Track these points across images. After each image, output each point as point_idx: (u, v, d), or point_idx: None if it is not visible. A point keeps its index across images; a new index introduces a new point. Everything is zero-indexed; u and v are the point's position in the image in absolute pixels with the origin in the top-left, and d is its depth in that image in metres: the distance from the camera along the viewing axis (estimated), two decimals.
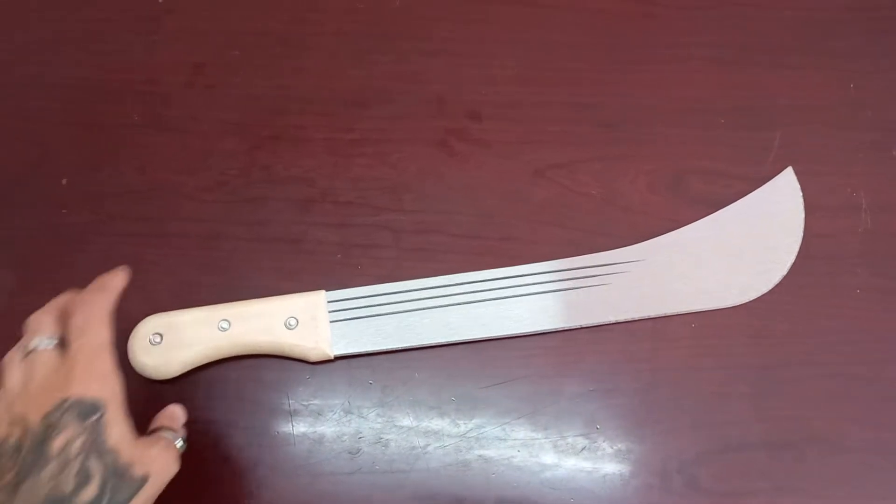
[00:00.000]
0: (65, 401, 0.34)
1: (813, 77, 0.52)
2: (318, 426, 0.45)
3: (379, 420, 0.45)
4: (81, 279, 0.48)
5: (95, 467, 0.33)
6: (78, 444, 0.33)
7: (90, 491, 0.33)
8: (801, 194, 0.49)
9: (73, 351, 0.35)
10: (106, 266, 0.48)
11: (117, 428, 0.34)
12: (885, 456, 0.44)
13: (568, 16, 0.53)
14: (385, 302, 0.46)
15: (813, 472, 0.44)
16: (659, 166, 0.50)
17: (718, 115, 0.51)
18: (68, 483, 0.33)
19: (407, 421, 0.45)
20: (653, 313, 0.46)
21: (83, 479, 0.33)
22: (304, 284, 0.46)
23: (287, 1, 0.53)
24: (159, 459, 0.36)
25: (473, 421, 0.45)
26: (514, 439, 0.44)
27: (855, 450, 0.45)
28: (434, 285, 0.46)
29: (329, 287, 0.46)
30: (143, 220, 0.49)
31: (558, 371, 0.46)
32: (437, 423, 0.45)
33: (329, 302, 0.45)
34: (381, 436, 0.44)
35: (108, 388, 0.35)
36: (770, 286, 0.47)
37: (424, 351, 0.46)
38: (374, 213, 0.49)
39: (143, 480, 0.34)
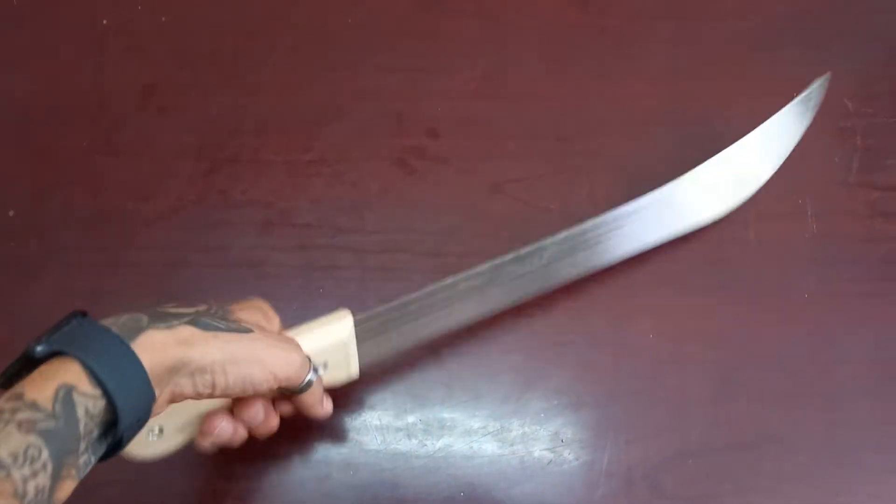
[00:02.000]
0: None
1: (760, 86, 0.54)
2: (289, 454, 0.45)
3: (346, 445, 0.45)
4: (36, 312, 0.47)
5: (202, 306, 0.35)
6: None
7: (182, 308, 0.34)
8: None
9: None
10: (61, 298, 0.47)
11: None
12: (838, 452, 0.46)
13: (523, 31, 0.54)
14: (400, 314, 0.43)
15: (772, 471, 0.46)
16: (616, 178, 0.51)
17: (672, 126, 0.52)
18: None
19: (374, 444, 0.45)
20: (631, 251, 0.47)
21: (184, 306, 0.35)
22: None
23: (240, 18, 0.53)
24: (281, 341, 0.37)
25: (441, 441, 0.45)
26: (482, 457, 0.45)
27: (809, 448, 0.46)
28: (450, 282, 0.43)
29: (291, 311, 0.45)
30: (97, 249, 0.48)
31: (523, 387, 0.47)
32: (405, 445, 0.45)
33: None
34: (350, 461, 0.44)
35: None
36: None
37: (389, 374, 0.46)
38: (335, 234, 0.49)
39: (245, 328, 0.35)
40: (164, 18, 0.52)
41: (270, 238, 0.49)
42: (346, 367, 0.41)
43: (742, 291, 0.49)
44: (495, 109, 0.52)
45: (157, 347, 0.31)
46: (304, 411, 0.39)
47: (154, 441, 0.38)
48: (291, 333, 0.39)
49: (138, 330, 0.31)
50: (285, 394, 0.38)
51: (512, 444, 0.45)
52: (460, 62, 0.53)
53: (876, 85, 0.54)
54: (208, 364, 0.33)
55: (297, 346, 0.37)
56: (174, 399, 0.33)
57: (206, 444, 0.37)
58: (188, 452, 0.38)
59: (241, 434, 0.38)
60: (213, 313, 0.35)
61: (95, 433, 0.30)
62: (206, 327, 0.33)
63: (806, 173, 0.52)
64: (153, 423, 0.38)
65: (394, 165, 0.51)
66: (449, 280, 0.43)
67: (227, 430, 0.37)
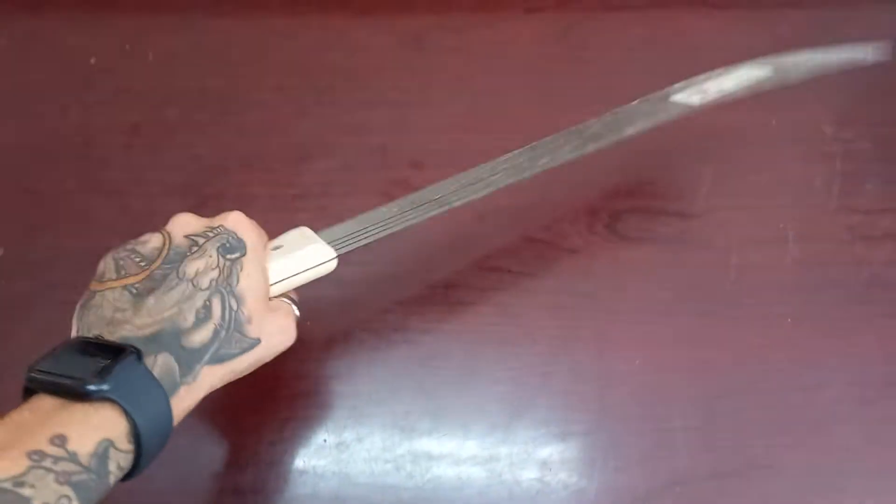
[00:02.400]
0: (212, 228, 0.35)
1: (738, 115, 0.54)
2: (277, 488, 0.45)
3: (335, 478, 0.45)
4: (25, 351, 0.47)
5: (217, 309, 0.33)
6: (211, 275, 0.33)
7: (204, 333, 0.33)
8: None
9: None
10: (52, 337, 0.47)
11: (252, 277, 0.35)
12: (823, 478, 0.47)
13: (504, 64, 0.55)
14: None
15: (759, 499, 0.46)
16: (599, 207, 0.52)
17: (651, 155, 0.53)
18: (189, 316, 0.33)
19: (363, 478, 0.45)
20: None
21: (203, 316, 0.33)
22: None
23: (225, 58, 0.54)
24: (278, 324, 0.36)
25: (430, 472, 0.45)
26: (471, 487, 0.45)
27: (795, 474, 0.47)
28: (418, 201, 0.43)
29: None
30: (85, 287, 0.48)
31: (510, 417, 0.47)
32: (393, 478, 0.45)
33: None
34: (339, 495, 0.44)
35: (253, 236, 0.36)
36: None
37: (376, 405, 0.46)
38: None
39: (255, 342, 0.34)
40: (151, 57, 0.53)
41: None
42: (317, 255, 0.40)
43: (726, 318, 0.50)
44: (479, 141, 0.53)
45: (183, 403, 0.33)
46: None
47: None
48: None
49: (174, 386, 0.32)
50: None
51: (500, 474, 0.46)
52: (443, 96, 0.54)
53: (853, 111, 0.54)
54: (215, 384, 0.34)
55: (290, 313, 0.38)
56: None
57: None
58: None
59: None
60: (228, 331, 0.34)
61: (118, 476, 0.30)
62: (222, 359, 0.34)
63: (786, 199, 0.53)
64: None
65: (379, 198, 0.51)
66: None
67: None
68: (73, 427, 0.29)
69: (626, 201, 0.52)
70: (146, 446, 0.30)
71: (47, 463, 0.27)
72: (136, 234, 0.50)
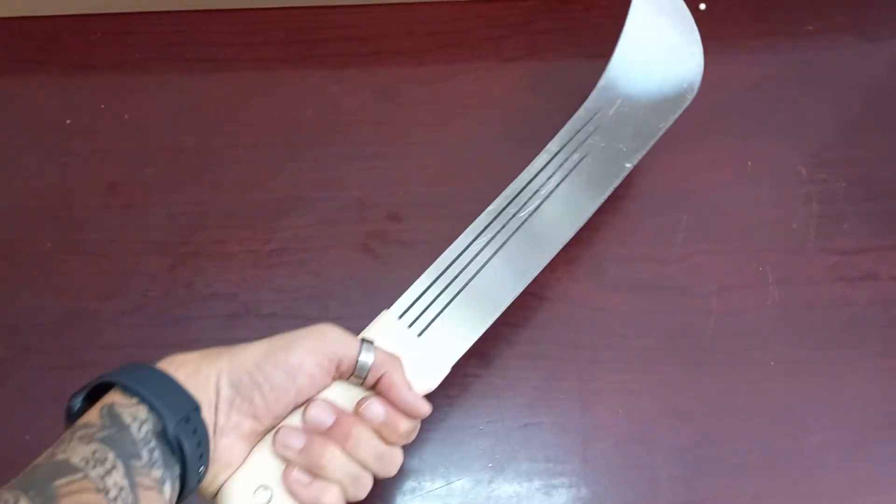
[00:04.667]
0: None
1: (714, 158, 0.55)
2: None
3: None
4: (2, 418, 0.47)
5: None
6: None
7: None
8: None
9: None
10: (28, 402, 0.47)
11: None
12: None
13: (478, 115, 0.55)
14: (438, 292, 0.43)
15: None
16: (578, 255, 0.52)
17: (629, 200, 0.53)
18: None
19: None
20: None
21: None
22: None
23: (201, 116, 0.54)
24: None
25: None
26: None
27: None
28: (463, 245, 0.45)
29: None
30: (62, 350, 0.48)
31: (493, 472, 0.46)
32: None
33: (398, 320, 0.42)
34: None
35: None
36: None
37: None
38: (300, 323, 0.48)
39: None
40: (126, 116, 0.53)
41: (236, 330, 0.49)
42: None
43: (708, 364, 0.49)
44: (455, 191, 0.53)
45: (185, 364, 0.35)
46: (396, 403, 0.38)
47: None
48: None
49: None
50: (358, 384, 0.39)
51: None
52: (419, 147, 0.54)
53: (827, 151, 0.55)
54: (242, 369, 0.35)
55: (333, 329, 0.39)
56: (241, 423, 0.35)
57: (290, 478, 0.36)
58: None
59: (327, 459, 0.36)
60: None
61: (153, 442, 0.32)
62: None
63: (764, 241, 0.53)
64: (255, 479, 0.36)
65: (357, 251, 0.51)
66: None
67: (292, 442, 0.36)
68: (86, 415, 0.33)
69: (605, 249, 0.52)
70: (153, 396, 0.32)
71: (67, 437, 0.31)
72: (113, 294, 0.50)
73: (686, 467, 0.47)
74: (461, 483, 0.46)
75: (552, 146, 0.48)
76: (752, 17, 0.59)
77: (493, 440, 0.47)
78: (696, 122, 0.56)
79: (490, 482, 0.46)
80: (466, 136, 0.54)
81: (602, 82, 0.50)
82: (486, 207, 0.47)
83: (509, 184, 0.48)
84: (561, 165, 0.47)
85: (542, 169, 0.47)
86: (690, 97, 0.50)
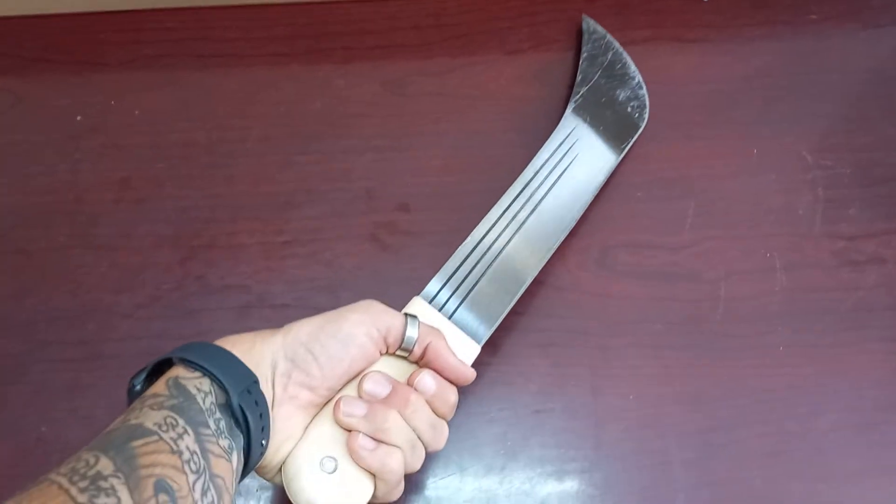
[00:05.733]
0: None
1: (719, 146, 0.55)
2: None
3: None
4: (20, 411, 0.48)
5: None
6: None
7: None
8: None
9: None
10: (44, 394, 0.47)
11: None
12: None
13: (487, 104, 0.55)
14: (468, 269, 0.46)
15: None
16: (586, 244, 0.52)
17: (636, 189, 0.54)
18: None
19: None
20: None
21: None
22: None
23: (210, 111, 0.54)
24: None
25: None
26: None
27: None
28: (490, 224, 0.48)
29: None
30: (78, 343, 0.48)
31: (506, 457, 0.47)
32: None
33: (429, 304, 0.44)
34: None
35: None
36: None
37: None
38: (313, 313, 0.49)
39: None
40: (137, 112, 0.54)
41: (249, 321, 0.49)
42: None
43: (717, 350, 0.50)
44: (464, 182, 0.54)
45: (240, 342, 0.37)
46: (444, 370, 0.40)
47: (327, 477, 0.37)
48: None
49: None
50: (404, 357, 0.41)
51: None
52: (426, 139, 0.54)
53: (832, 137, 0.55)
54: (296, 342, 0.37)
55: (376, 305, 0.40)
56: (298, 393, 0.37)
57: (356, 444, 0.37)
58: None
59: (391, 424, 0.37)
60: None
61: (218, 413, 0.33)
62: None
63: (771, 227, 0.53)
64: (319, 451, 0.37)
65: (367, 242, 0.52)
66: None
67: (355, 410, 0.37)
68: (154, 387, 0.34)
69: (614, 237, 0.52)
70: (214, 368, 0.34)
71: (138, 406, 0.32)
72: (127, 288, 0.51)
73: (697, 451, 0.47)
74: (474, 470, 0.46)
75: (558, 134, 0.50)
76: (753, 5, 0.59)
77: (505, 427, 0.48)
78: (700, 111, 0.56)
79: (502, 469, 0.47)
80: (473, 127, 0.55)
81: (567, 111, 0.53)
82: (500, 196, 0.48)
83: (516, 174, 0.49)
84: (553, 169, 0.50)
85: (550, 156, 0.50)
86: (642, 125, 0.54)
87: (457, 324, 0.44)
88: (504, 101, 0.56)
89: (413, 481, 0.46)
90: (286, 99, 0.55)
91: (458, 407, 0.48)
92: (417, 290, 0.45)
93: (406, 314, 0.41)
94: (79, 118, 0.54)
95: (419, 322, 0.41)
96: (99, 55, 0.56)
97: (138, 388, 0.35)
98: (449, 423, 0.41)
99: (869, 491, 0.47)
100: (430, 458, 0.47)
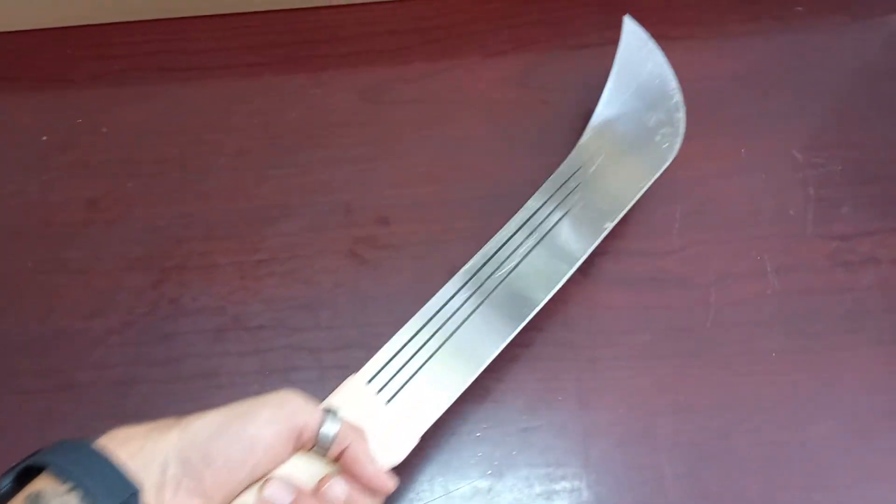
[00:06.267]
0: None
1: (706, 146, 0.54)
2: None
3: None
4: None
5: None
6: None
7: None
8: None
9: None
10: (15, 424, 0.46)
11: None
12: None
13: (468, 110, 0.54)
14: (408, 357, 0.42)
15: None
16: None
17: None
18: None
19: None
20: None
21: None
22: None
23: (182, 125, 0.53)
24: None
25: None
26: None
27: None
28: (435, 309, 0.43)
29: None
30: (49, 372, 0.47)
31: (493, 478, 0.45)
32: None
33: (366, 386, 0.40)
34: None
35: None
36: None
37: None
38: (290, 335, 0.48)
39: None
40: (105, 130, 0.52)
41: (224, 344, 0.48)
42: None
43: (709, 356, 0.48)
44: (445, 192, 0.52)
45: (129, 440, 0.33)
46: (359, 478, 0.36)
47: None
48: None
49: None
50: (320, 456, 0.37)
51: None
52: (406, 148, 0.53)
53: (823, 136, 0.54)
54: (193, 444, 0.33)
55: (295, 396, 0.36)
56: (188, 502, 0.33)
57: None
58: None
59: None
60: None
61: None
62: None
63: (762, 229, 0.52)
64: None
65: (346, 258, 0.50)
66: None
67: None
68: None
69: (600, 245, 0.51)
70: (89, 484, 0.30)
71: None
72: (99, 313, 0.49)
73: (691, 464, 0.46)
74: (460, 492, 0.45)
75: (532, 203, 0.47)
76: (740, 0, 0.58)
77: (491, 446, 0.46)
78: (691, 110, 0.55)
79: (489, 490, 0.45)
80: (454, 133, 0.53)
81: (583, 140, 0.49)
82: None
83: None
84: (540, 224, 0.46)
85: (520, 227, 0.46)
86: (671, 157, 0.49)
87: (394, 411, 0.40)
88: (485, 105, 0.54)
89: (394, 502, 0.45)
90: (260, 110, 0.53)
91: (442, 426, 0.47)
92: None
93: (326, 409, 0.37)
94: (44, 137, 0.52)
95: (340, 419, 0.37)
96: (65, 71, 0.54)
97: (4, 490, 0.31)
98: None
99: (867, 500, 0.45)
100: (414, 480, 0.45)
